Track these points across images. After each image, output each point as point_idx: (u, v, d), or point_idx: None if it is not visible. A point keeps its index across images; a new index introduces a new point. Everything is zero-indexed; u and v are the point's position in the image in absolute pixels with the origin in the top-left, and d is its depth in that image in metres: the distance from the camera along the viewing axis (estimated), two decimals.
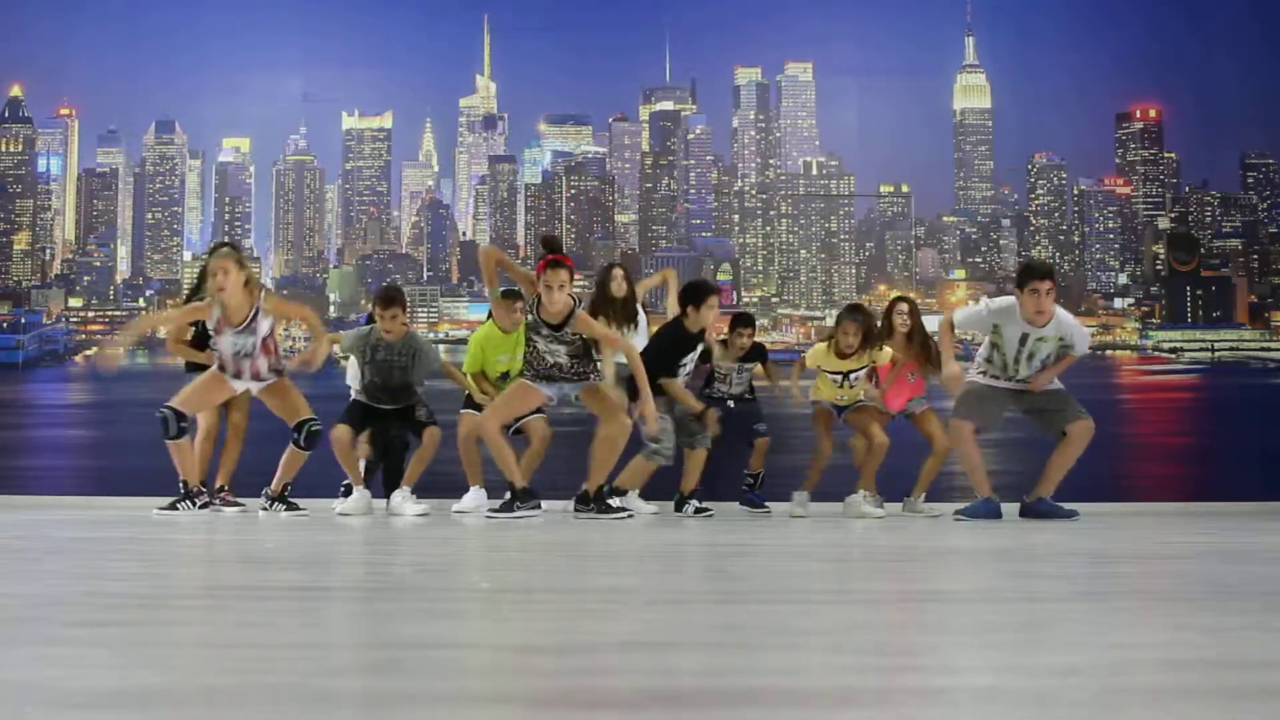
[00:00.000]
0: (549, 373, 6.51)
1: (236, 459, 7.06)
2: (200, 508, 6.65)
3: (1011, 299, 6.76)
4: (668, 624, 2.60)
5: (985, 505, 6.57)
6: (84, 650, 2.14)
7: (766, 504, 7.63)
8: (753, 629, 2.48)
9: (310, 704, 1.70)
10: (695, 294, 7.19)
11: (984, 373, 6.82)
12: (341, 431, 6.90)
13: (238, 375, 6.45)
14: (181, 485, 6.53)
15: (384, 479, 7.35)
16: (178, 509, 6.50)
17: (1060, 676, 1.92)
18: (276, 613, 2.77)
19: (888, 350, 7.32)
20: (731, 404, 7.54)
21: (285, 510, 6.50)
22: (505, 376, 7.18)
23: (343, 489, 7.21)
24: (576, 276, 6.72)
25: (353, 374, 7.30)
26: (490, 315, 7.20)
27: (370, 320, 7.24)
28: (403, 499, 6.91)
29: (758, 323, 8.27)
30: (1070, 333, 6.67)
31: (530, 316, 6.54)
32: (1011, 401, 6.74)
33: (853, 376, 7.27)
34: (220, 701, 1.72)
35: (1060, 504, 6.65)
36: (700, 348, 7.15)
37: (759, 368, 7.69)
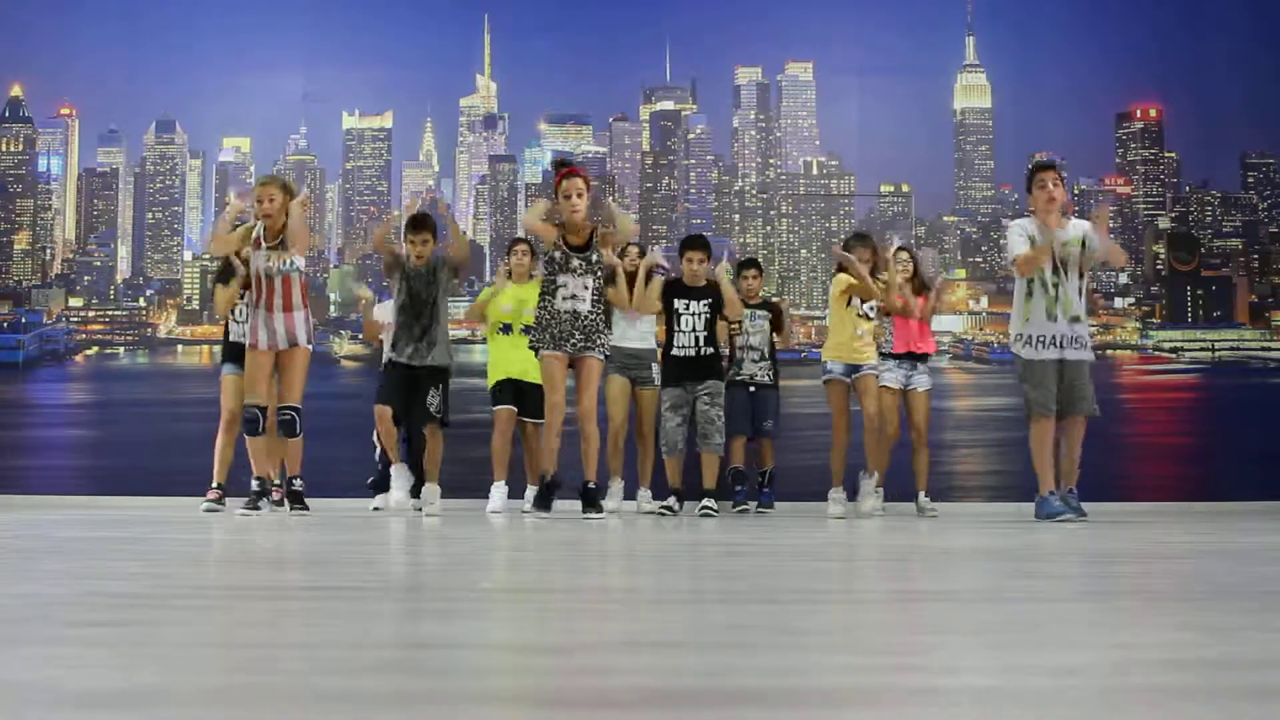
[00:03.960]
0: (564, 332, 6.28)
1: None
2: (275, 503, 6.58)
3: (1022, 220, 6.50)
4: (668, 624, 2.60)
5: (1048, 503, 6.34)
6: (84, 650, 2.13)
7: (774, 503, 7.60)
8: (753, 629, 2.47)
9: (310, 704, 1.70)
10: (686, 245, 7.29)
11: (1031, 338, 6.41)
12: (384, 410, 6.95)
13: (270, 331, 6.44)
14: (256, 482, 6.42)
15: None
16: (259, 508, 6.38)
17: (1060, 676, 1.92)
18: (276, 613, 2.77)
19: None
20: (752, 389, 7.52)
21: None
22: (507, 329, 7.28)
23: (370, 483, 7.31)
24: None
25: (383, 313, 7.39)
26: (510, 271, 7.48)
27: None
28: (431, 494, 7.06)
29: None
30: (1086, 229, 6.37)
31: (557, 252, 6.30)
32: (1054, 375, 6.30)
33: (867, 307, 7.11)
34: (220, 701, 1.72)
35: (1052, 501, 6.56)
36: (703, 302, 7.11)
37: (773, 331, 7.62)
